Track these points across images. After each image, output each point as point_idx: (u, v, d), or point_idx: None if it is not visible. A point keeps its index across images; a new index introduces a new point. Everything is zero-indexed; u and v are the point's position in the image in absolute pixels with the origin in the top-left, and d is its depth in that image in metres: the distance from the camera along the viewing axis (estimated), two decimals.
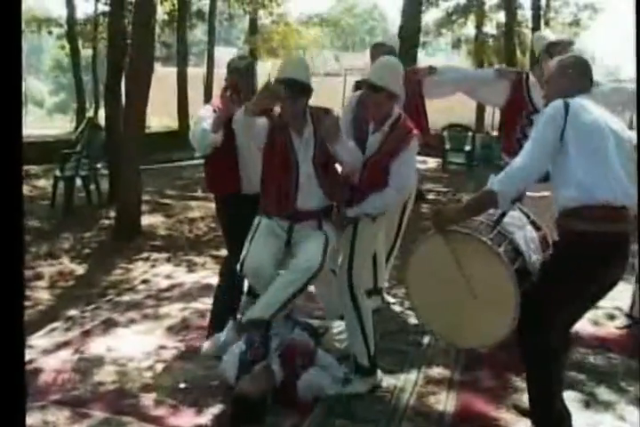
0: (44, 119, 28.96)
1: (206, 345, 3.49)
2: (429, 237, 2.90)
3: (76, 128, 14.71)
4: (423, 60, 18.38)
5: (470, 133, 12.75)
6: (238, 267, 3.19)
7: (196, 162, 12.17)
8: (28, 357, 3.47)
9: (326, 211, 3.31)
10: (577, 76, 2.77)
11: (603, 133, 2.60)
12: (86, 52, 19.91)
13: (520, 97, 4.10)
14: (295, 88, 3.10)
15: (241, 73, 3.54)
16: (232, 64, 3.58)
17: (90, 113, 16.93)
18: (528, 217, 3.05)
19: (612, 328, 4.14)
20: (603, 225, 2.52)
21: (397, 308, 4.45)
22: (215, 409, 3.01)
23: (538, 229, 3.01)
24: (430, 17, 19.38)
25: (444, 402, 3.15)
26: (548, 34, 4.49)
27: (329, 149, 3.15)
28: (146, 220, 6.82)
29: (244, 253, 3.19)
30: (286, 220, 3.25)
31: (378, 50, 4.26)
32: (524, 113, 4.05)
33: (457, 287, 2.78)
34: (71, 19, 17.17)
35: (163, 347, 3.69)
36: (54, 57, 39.27)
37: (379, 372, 3.31)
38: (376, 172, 3.17)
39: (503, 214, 2.85)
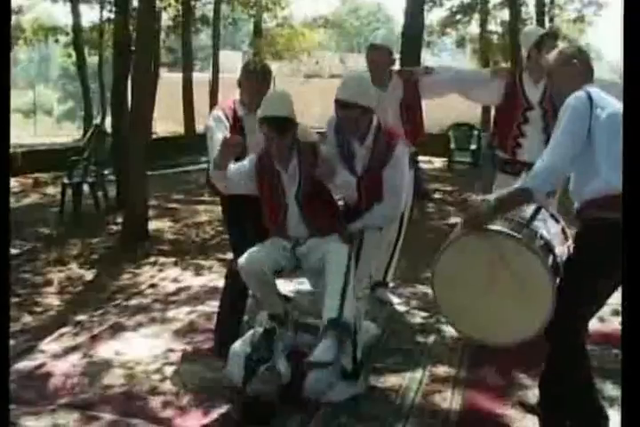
0: (53, 127, 29.15)
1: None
2: (461, 236, 2.87)
3: (84, 135, 14.80)
4: (428, 60, 18.40)
5: (476, 132, 12.74)
6: (236, 263, 3.17)
7: (201, 166, 12.26)
8: (38, 361, 3.54)
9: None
10: (582, 65, 2.80)
11: (621, 123, 2.64)
12: (93, 60, 20.07)
13: (515, 95, 4.13)
14: (278, 125, 3.05)
15: (258, 76, 3.49)
16: (247, 67, 3.53)
17: (97, 120, 17.06)
18: (546, 210, 3.07)
19: (618, 325, 4.14)
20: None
21: (402, 307, 4.48)
22: (223, 411, 3.04)
23: (557, 221, 3.03)
24: (434, 16, 19.41)
25: (450, 400, 3.16)
26: (538, 29, 4.55)
27: (315, 182, 3.13)
28: (153, 224, 6.87)
29: (245, 253, 3.18)
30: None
31: (374, 51, 4.27)
32: (520, 110, 4.09)
33: (488, 286, 2.78)
34: (77, 27, 17.30)
35: (170, 350, 3.73)
36: (61, 65, 39.52)
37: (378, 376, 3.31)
38: (372, 186, 3.13)
39: (537, 212, 2.86)
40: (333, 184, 3.19)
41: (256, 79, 3.48)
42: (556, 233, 2.95)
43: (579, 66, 2.79)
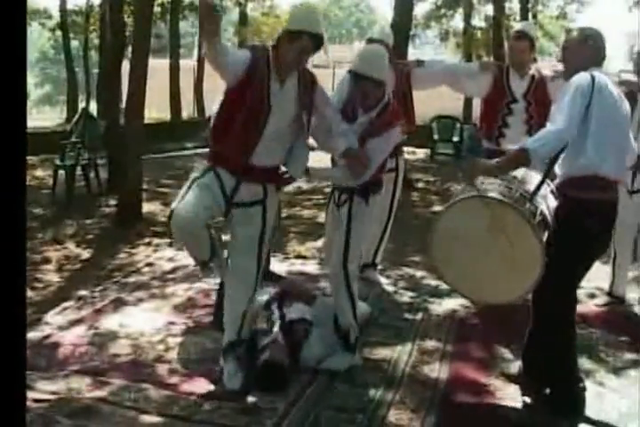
0: (30, 111, 28.88)
1: None
2: (465, 200, 3.01)
3: (68, 119, 14.78)
4: (411, 53, 18.49)
5: (458, 125, 12.97)
6: (168, 217, 3.05)
7: (187, 153, 12.37)
8: (45, 332, 3.67)
9: (276, 171, 3.08)
10: (596, 47, 2.95)
11: (620, 112, 2.84)
12: (73, 44, 19.94)
13: (501, 88, 4.40)
14: (313, 43, 2.96)
15: None
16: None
17: (82, 104, 17.01)
18: (548, 185, 3.20)
19: (592, 306, 4.39)
20: (600, 194, 2.82)
21: (391, 287, 4.69)
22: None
23: (556, 198, 3.16)
24: (419, 10, 19.53)
25: (438, 370, 3.37)
26: (526, 24, 5.03)
27: (308, 116, 3.08)
28: (145, 207, 6.99)
29: (174, 203, 3.01)
30: (234, 176, 3.02)
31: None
32: (505, 102, 4.36)
33: (486, 249, 2.95)
34: (63, 10, 17.21)
35: (172, 323, 3.88)
36: (40, 49, 39.02)
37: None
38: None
39: (539, 186, 3.00)
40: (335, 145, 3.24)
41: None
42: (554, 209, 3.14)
43: (592, 47, 2.94)
